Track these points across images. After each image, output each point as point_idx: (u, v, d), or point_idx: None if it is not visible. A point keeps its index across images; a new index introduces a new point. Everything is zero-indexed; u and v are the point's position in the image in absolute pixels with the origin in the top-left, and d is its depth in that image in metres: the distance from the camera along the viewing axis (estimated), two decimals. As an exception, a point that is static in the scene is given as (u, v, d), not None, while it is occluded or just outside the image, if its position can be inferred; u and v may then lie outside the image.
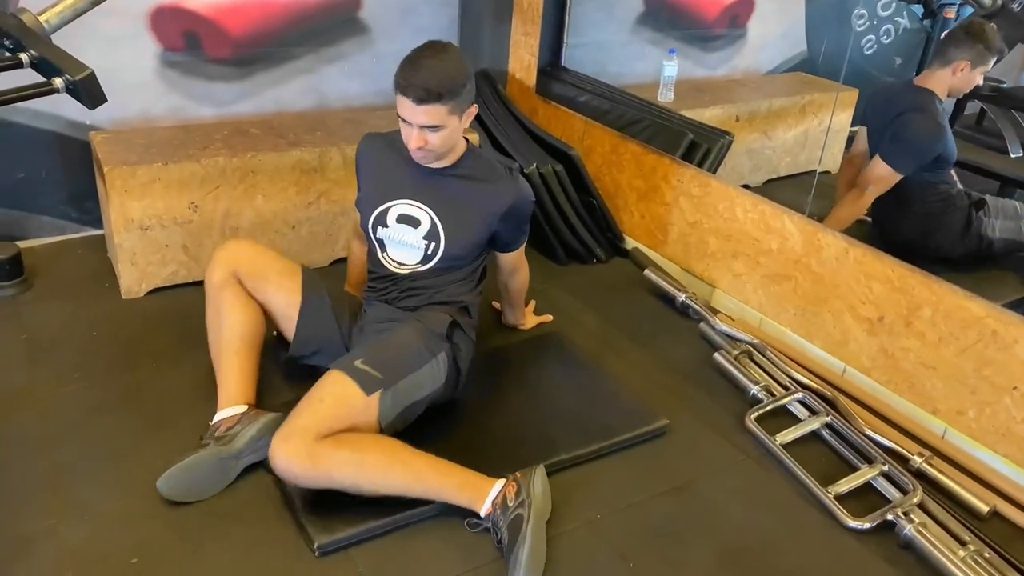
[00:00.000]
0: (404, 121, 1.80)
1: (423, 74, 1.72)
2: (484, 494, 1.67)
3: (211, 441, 1.75)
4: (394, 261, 1.98)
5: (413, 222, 1.94)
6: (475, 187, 1.94)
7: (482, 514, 1.67)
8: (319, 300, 1.99)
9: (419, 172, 1.94)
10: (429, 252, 1.94)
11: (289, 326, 1.98)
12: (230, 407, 1.82)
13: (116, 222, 2.35)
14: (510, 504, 1.64)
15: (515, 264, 2.16)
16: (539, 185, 2.78)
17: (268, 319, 2.00)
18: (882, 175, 2.47)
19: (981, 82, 2.42)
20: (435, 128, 1.78)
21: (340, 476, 1.60)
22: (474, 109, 1.87)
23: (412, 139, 1.81)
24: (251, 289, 1.94)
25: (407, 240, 1.95)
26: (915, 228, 2.52)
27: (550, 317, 2.49)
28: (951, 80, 2.40)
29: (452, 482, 1.68)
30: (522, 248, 2.13)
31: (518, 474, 1.72)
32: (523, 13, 3.21)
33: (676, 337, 2.50)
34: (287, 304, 1.97)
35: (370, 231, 1.99)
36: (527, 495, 1.65)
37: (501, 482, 1.69)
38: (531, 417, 2.04)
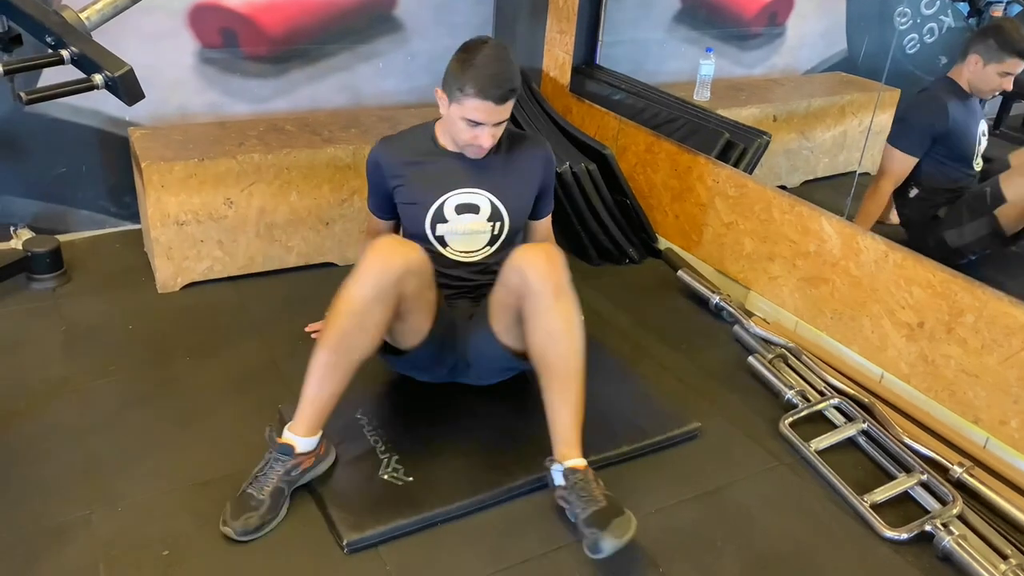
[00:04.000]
0: (474, 123, 1.80)
1: (501, 75, 1.77)
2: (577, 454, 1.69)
3: (287, 480, 1.67)
4: (460, 252, 1.98)
5: (473, 209, 1.95)
6: (513, 155, 1.99)
7: (575, 464, 1.66)
8: (448, 311, 1.92)
9: (461, 162, 1.94)
10: (495, 232, 1.97)
11: (414, 338, 1.84)
12: (312, 436, 1.70)
13: (153, 217, 2.38)
14: (600, 484, 1.64)
15: (548, 232, 2.17)
16: (572, 184, 2.76)
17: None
18: (890, 159, 2.47)
19: (1009, 86, 2.37)
20: (502, 123, 1.85)
21: (564, 321, 1.69)
22: None
23: (486, 138, 1.83)
24: (412, 299, 1.72)
25: (472, 228, 1.95)
26: (931, 229, 2.46)
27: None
28: (968, 75, 2.40)
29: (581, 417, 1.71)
30: (551, 217, 2.15)
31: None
32: (558, 11, 3.20)
33: (709, 339, 2.47)
34: (427, 319, 1.82)
35: (428, 231, 1.94)
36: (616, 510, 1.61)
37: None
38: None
